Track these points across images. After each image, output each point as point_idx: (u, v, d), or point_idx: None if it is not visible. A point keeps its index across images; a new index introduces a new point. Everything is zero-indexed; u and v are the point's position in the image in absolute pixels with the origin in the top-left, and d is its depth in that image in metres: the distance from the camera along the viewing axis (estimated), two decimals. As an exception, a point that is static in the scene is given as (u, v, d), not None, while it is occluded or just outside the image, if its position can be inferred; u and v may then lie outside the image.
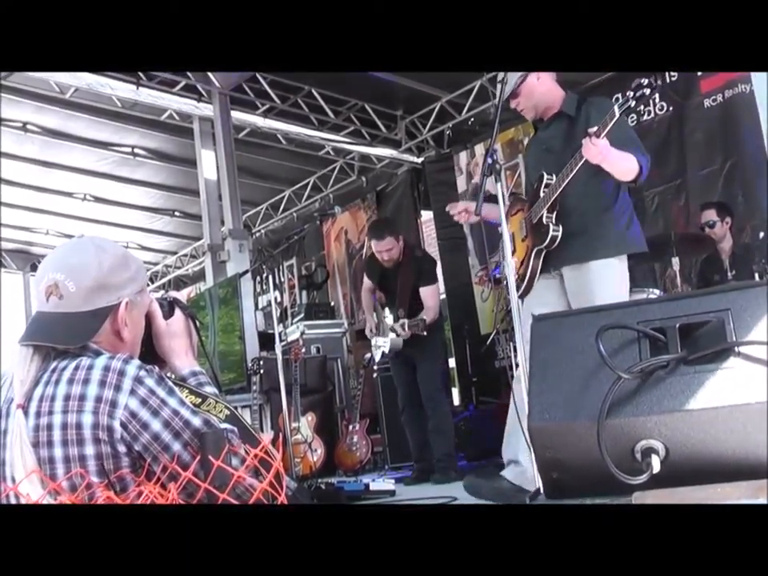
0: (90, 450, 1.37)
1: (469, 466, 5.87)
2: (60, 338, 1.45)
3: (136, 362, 1.44)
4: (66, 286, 1.46)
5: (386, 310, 5.43)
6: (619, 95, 2.83)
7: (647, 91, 2.79)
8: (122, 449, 1.38)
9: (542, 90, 3.36)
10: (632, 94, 2.83)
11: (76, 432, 1.37)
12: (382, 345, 5.33)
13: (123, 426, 1.38)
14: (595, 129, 2.94)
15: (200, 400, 1.55)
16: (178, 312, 1.68)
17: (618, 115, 2.87)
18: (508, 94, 3.31)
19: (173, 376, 1.62)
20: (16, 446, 1.38)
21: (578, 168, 3.10)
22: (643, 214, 6.36)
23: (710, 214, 5.21)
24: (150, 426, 1.39)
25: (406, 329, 4.96)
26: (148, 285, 1.67)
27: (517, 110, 3.46)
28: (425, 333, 4.94)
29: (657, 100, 6.39)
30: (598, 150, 2.95)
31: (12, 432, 1.39)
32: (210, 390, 1.60)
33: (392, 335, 5.18)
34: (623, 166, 3.09)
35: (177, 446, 1.40)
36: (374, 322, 5.51)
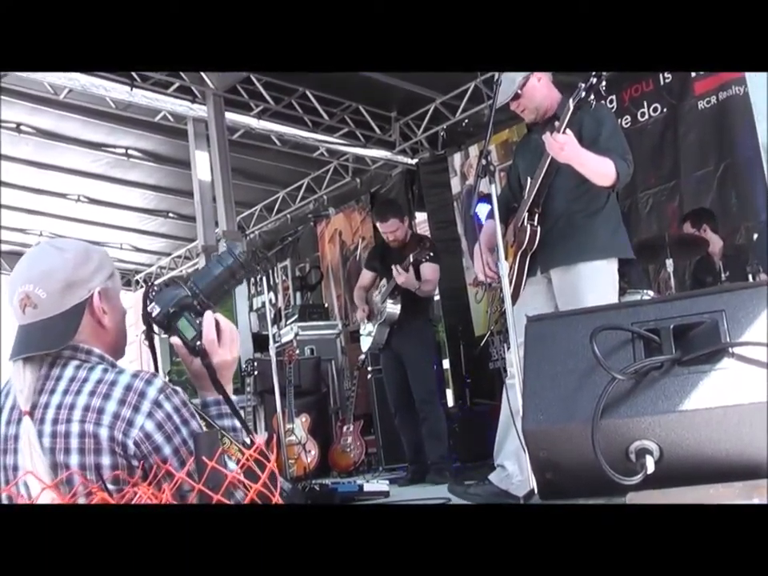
0: (106, 460, 1.40)
1: (463, 468, 5.86)
2: (43, 344, 1.47)
3: (158, 383, 1.45)
4: (37, 295, 1.48)
5: (383, 281, 5.43)
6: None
7: (594, 80, 2.92)
8: (135, 463, 1.41)
9: (543, 92, 3.36)
10: (583, 85, 2.95)
11: (93, 441, 1.40)
12: (372, 329, 5.36)
13: (136, 444, 1.41)
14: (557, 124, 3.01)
15: None
16: None
17: (572, 108, 2.98)
18: (510, 97, 3.30)
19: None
20: (26, 452, 1.40)
21: (546, 165, 3.12)
22: (637, 216, 6.39)
23: (686, 228, 5.34)
24: (161, 450, 1.42)
25: (411, 259, 5.01)
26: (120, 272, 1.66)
27: (516, 112, 3.44)
28: (429, 256, 5.00)
29: (651, 102, 6.42)
30: (560, 146, 2.98)
31: (21, 438, 1.42)
32: (228, 422, 1.60)
33: (388, 308, 5.23)
34: (596, 168, 3.09)
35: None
36: (365, 309, 5.50)
